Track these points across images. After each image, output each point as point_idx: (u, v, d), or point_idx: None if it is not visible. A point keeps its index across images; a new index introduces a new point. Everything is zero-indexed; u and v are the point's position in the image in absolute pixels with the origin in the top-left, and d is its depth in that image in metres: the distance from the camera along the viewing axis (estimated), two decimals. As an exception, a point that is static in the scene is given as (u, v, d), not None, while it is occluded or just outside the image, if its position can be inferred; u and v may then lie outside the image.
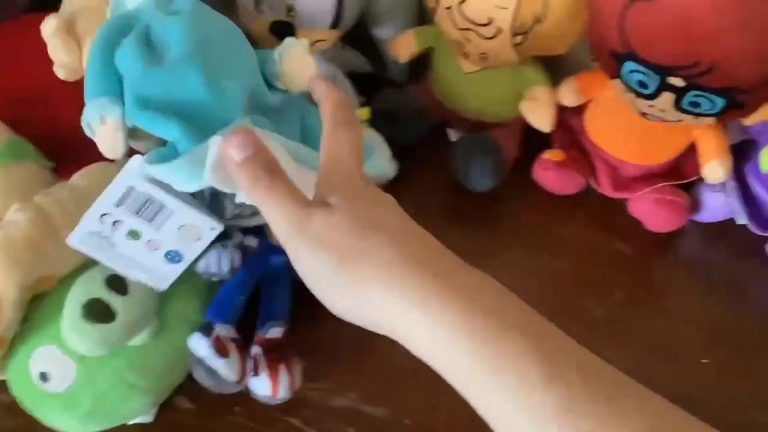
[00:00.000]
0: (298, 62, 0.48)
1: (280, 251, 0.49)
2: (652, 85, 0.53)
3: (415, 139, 0.66)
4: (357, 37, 0.69)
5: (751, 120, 0.57)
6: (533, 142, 0.67)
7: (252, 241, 0.54)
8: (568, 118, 0.67)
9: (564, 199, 0.66)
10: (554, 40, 0.58)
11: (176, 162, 0.41)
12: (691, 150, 0.61)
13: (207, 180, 0.40)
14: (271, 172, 0.35)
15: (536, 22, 0.56)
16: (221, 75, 0.43)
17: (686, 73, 0.50)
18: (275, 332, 0.52)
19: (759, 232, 0.61)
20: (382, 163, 0.58)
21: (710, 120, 0.55)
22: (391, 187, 0.59)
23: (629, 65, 0.53)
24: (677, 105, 0.53)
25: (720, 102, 0.52)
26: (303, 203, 0.34)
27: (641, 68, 0.52)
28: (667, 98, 0.53)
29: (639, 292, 0.62)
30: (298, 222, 0.33)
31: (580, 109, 0.65)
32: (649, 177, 0.64)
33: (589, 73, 0.61)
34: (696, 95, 0.52)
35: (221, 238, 0.49)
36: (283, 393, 0.49)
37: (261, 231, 0.54)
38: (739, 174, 0.63)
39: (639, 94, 0.55)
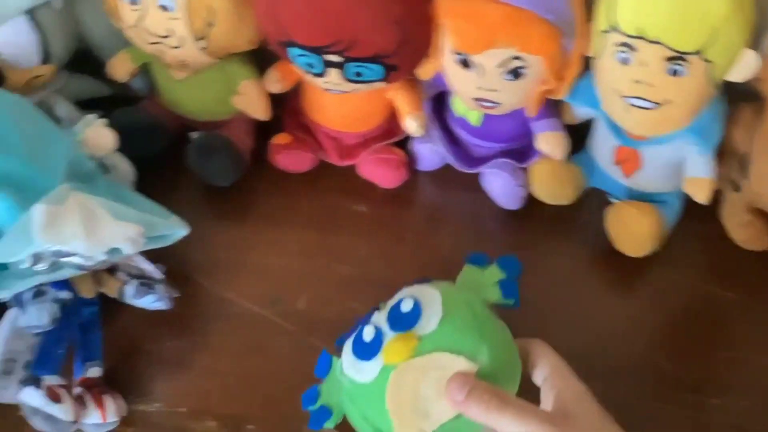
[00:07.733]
0: (95, 133, 0.59)
1: (90, 302, 0.57)
2: (317, 64, 0.58)
3: (158, 151, 0.70)
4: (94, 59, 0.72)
5: (425, 74, 0.64)
6: (271, 131, 0.72)
7: (65, 294, 0.57)
8: (293, 103, 0.72)
9: (303, 176, 0.72)
10: (233, 38, 0.62)
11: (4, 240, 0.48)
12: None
13: (38, 244, 0.48)
14: (496, 393, 0.38)
15: (209, 26, 0.60)
16: (38, 150, 0.52)
17: (335, 49, 0.56)
18: (94, 371, 0.56)
19: (464, 170, 0.69)
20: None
21: (381, 84, 0.61)
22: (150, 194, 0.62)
23: (293, 51, 0.58)
24: (345, 77, 0.59)
25: (377, 68, 0.58)
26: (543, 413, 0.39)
27: (303, 52, 0.58)
28: (334, 73, 0.59)
29: (381, 244, 0.68)
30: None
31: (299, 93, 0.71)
32: (368, 141, 0.70)
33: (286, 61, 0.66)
34: (356, 66, 0.58)
35: (37, 295, 0.54)
36: (111, 417, 0.54)
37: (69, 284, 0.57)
38: (444, 121, 0.70)
39: (313, 74, 0.60)
